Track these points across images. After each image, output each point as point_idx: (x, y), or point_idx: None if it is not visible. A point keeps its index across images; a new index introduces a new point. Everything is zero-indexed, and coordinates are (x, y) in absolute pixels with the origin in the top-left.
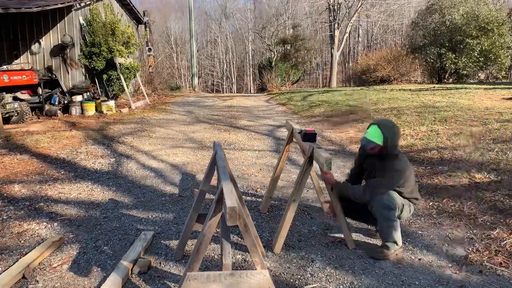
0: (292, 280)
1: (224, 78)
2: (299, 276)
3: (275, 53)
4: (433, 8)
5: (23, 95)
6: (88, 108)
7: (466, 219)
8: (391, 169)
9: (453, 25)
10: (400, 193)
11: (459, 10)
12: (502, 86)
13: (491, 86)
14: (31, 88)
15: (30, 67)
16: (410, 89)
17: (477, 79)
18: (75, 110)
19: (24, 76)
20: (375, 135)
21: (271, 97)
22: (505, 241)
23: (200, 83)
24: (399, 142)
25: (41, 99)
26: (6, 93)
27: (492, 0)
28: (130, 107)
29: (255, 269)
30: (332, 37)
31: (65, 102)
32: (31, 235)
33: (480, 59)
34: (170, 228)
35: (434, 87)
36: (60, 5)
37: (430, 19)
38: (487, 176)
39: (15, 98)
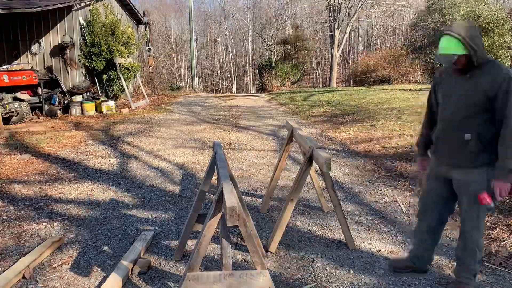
0: (292, 280)
1: (224, 78)
2: (299, 276)
3: (275, 53)
4: (433, 8)
5: (23, 95)
6: (88, 108)
7: None
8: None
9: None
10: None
11: (459, 11)
12: None
13: None
14: (31, 88)
15: (30, 67)
16: (410, 89)
17: None
18: (75, 110)
19: (24, 76)
20: (451, 44)
21: (272, 97)
22: (505, 241)
23: (200, 83)
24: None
25: (41, 99)
26: (6, 93)
27: (492, 0)
28: (130, 107)
29: (255, 269)
30: (332, 37)
31: (65, 102)
32: (31, 235)
33: None
34: (170, 228)
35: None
36: (60, 5)
37: (430, 19)
38: None
39: (15, 98)
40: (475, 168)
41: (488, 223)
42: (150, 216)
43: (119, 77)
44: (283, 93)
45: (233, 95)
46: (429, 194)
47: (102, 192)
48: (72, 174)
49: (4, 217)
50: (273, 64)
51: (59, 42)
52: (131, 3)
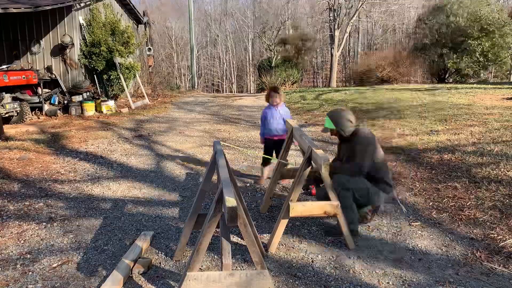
0: (292, 280)
1: (224, 78)
2: (299, 277)
3: (275, 53)
4: (441, 10)
5: (23, 95)
6: (87, 108)
7: (466, 219)
8: (353, 149)
9: (456, 26)
10: (370, 178)
11: (464, 12)
12: (502, 86)
13: (492, 86)
14: (31, 88)
15: (30, 67)
16: (410, 89)
17: (477, 79)
18: (74, 110)
19: (24, 76)
20: (328, 123)
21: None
22: (505, 241)
23: (200, 83)
24: (351, 123)
25: (41, 99)
26: (6, 93)
27: (493, 1)
28: (130, 107)
29: (255, 269)
30: (332, 37)
31: (65, 102)
32: (31, 235)
33: (481, 59)
34: (170, 228)
35: (434, 87)
36: (60, 5)
37: (434, 20)
38: (487, 176)
39: (15, 98)
40: None
41: (488, 223)
42: (150, 216)
43: (119, 77)
44: (288, 92)
45: (241, 94)
46: None
47: (102, 192)
48: (72, 174)
49: (4, 217)
50: (273, 64)
51: (59, 42)
52: (131, 3)
